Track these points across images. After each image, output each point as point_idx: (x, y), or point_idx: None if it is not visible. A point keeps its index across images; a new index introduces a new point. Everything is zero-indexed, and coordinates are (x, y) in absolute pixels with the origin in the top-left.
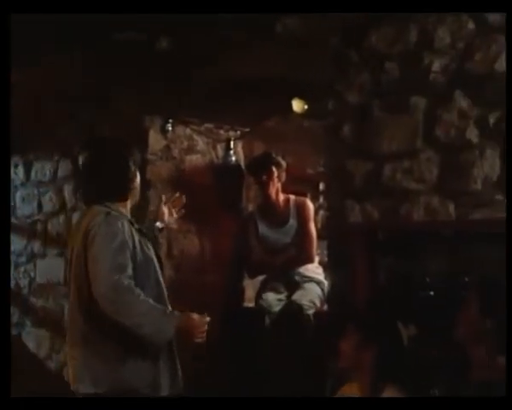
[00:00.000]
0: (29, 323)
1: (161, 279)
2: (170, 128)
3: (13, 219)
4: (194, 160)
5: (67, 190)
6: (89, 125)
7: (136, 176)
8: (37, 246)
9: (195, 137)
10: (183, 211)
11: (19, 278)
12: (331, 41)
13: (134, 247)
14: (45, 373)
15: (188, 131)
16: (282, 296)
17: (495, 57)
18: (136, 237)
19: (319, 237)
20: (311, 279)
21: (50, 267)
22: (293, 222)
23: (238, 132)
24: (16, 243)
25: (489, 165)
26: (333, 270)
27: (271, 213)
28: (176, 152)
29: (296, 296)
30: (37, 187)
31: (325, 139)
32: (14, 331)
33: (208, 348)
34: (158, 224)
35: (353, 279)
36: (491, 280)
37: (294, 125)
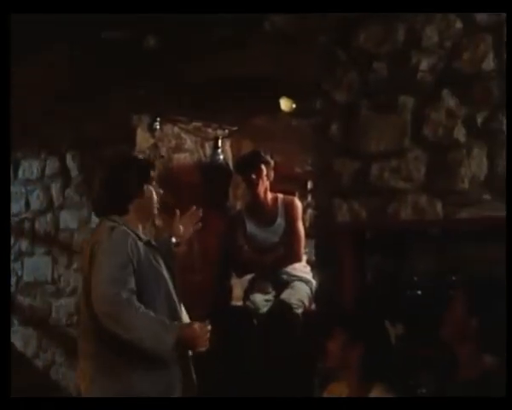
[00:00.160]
0: (16, 322)
1: (173, 292)
2: (158, 126)
3: None
4: (182, 158)
5: (55, 189)
6: (76, 124)
7: (143, 193)
8: (24, 244)
9: (183, 135)
10: (199, 224)
11: None
12: (319, 40)
13: (139, 261)
14: (33, 372)
15: (176, 129)
16: (270, 296)
17: (483, 57)
18: (143, 252)
19: (307, 235)
20: (299, 278)
21: (38, 266)
22: (281, 221)
23: (226, 131)
24: None
25: (476, 164)
26: (320, 269)
27: (259, 211)
28: (164, 150)
29: (285, 295)
30: (24, 185)
31: (313, 138)
32: None
33: None
34: (173, 239)
35: (341, 278)
36: (477, 279)
37: (282, 124)
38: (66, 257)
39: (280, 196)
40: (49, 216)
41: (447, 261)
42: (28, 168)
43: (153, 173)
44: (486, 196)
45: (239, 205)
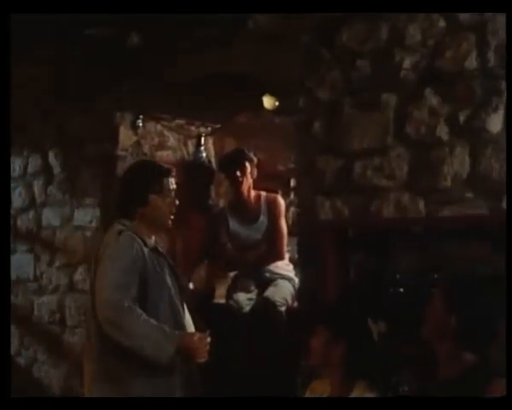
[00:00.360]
0: None
1: (177, 300)
2: (140, 124)
3: None
4: (164, 156)
5: (37, 186)
6: (59, 121)
7: (147, 202)
8: None
9: (166, 133)
10: None
11: None
12: (303, 38)
13: (144, 267)
14: (14, 370)
15: (159, 127)
16: (253, 295)
17: (465, 55)
18: (148, 258)
19: (290, 233)
20: (282, 276)
21: (20, 263)
22: (263, 219)
23: (209, 129)
24: None
25: (459, 162)
26: (303, 267)
27: (242, 209)
28: (146, 148)
29: (269, 293)
30: None
31: (296, 136)
32: None
33: None
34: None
35: (324, 276)
36: (457, 277)
37: (265, 122)
38: (49, 255)
39: (263, 193)
40: (31, 213)
41: (429, 259)
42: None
43: (168, 184)
44: (469, 195)
45: (222, 203)
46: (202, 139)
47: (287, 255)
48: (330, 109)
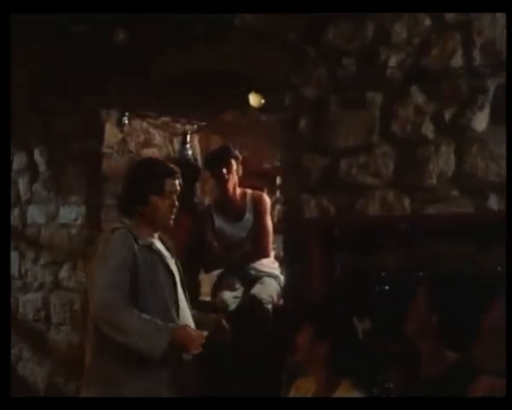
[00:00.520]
0: None
1: (169, 297)
2: (126, 121)
3: None
4: (150, 153)
5: (22, 183)
6: (44, 119)
7: (147, 202)
8: None
9: (152, 130)
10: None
11: None
12: (289, 36)
13: (135, 264)
14: None
15: (144, 124)
16: (238, 293)
17: (451, 54)
18: (140, 256)
19: (275, 231)
20: (267, 274)
21: None
22: (249, 216)
23: (195, 126)
24: None
25: (444, 160)
26: (289, 264)
27: (228, 207)
28: (132, 145)
29: (255, 290)
30: None
31: (282, 134)
32: None
33: None
34: None
35: (309, 274)
36: (440, 275)
37: (251, 120)
38: (34, 252)
39: (248, 191)
40: (16, 211)
41: (415, 257)
42: None
43: (170, 185)
44: (454, 193)
45: (207, 200)
46: (188, 137)
47: (272, 253)
48: (316, 107)
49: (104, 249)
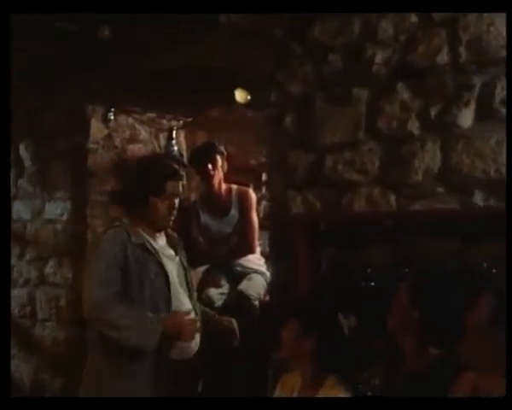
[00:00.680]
0: None
1: (159, 296)
2: (112, 117)
3: None
4: (136, 149)
5: None
6: (30, 114)
7: (147, 203)
8: None
9: (138, 126)
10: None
11: None
12: (275, 32)
13: (126, 262)
14: None
15: (130, 120)
16: (224, 289)
17: (437, 50)
18: (132, 254)
19: (261, 227)
20: (254, 270)
21: None
22: (234, 212)
23: (181, 122)
24: None
25: (430, 157)
26: (275, 260)
27: (214, 203)
28: (118, 141)
29: (243, 286)
30: None
31: (268, 130)
32: None
33: None
34: None
35: (295, 270)
36: (422, 271)
37: (237, 116)
38: (19, 248)
39: (234, 187)
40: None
41: (400, 253)
42: None
43: (171, 187)
44: (440, 189)
45: (193, 196)
46: (174, 133)
47: (258, 249)
48: (302, 104)
49: (95, 249)
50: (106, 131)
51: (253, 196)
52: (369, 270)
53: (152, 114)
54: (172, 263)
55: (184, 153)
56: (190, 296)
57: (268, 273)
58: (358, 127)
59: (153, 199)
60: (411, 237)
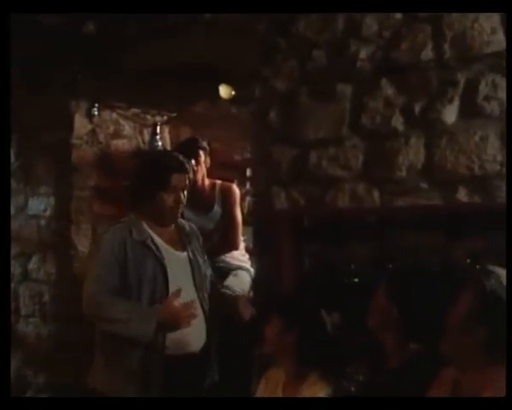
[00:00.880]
0: None
1: (157, 292)
2: (96, 112)
3: None
4: (120, 144)
5: None
6: (13, 109)
7: (154, 200)
8: None
9: (122, 121)
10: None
11: None
12: (259, 27)
13: (125, 259)
14: None
15: (114, 115)
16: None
17: (421, 46)
18: (131, 251)
19: (246, 223)
20: (238, 267)
21: None
22: (217, 208)
23: (165, 117)
24: None
25: (414, 153)
26: (259, 256)
27: (197, 198)
28: (102, 136)
29: (228, 282)
30: None
31: (252, 125)
32: None
33: None
34: None
35: (279, 266)
36: (401, 267)
37: (222, 111)
38: None
39: (218, 182)
40: None
41: (384, 249)
42: None
43: (177, 180)
44: (423, 185)
45: None
46: (158, 128)
47: (242, 245)
48: (286, 99)
49: (96, 247)
50: (90, 127)
51: (236, 191)
52: (352, 266)
53: (136, 110)
54: (177, 259)
55: (169, 148)
56: (198, 292)
57: (252, 269)
58: (342, 123)
59: (159, 193)
60: (395, 233)
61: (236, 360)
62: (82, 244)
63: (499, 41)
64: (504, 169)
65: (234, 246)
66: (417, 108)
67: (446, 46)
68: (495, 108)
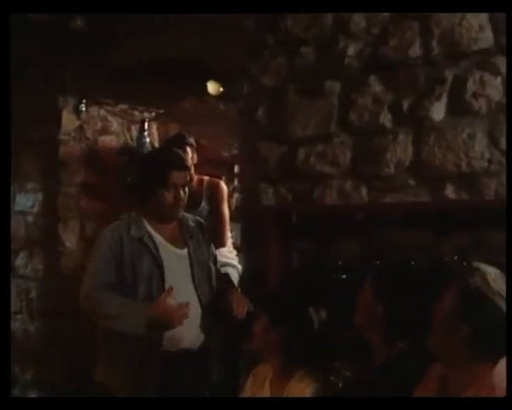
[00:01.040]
0: None
1: (150, 289)
2: (83, 108)
3: None
4: (108, 141)
5: None
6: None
7: (155, 196)
8: None
9: (110, 118)
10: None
11: None
12: (247, 24)
13: (121, 256)
14: None
15: (102, 111)
16: None
17: (409, 43)
18: (128, 248)
19: (234, 220)
20: (225, 264)
21: None
22: (205, 205)
23: (153, 114)
24: None
25: (401, 150)
26: (246, 253)
27: None
28: (89, 133)
29: None
30: None
31: (240, 122)
32: None
33: None
34: None
35: (266, 262)
36: (387, 264)
37: (210, 108)
38: None
39: (205, 178)
40: None
41: (372, 246)
42: None
43: (177, 178)
44: (411, 182)
45: None
46: (146, 124)
47: (230, 241)
48: (274, 96)
49: (94, 244)
50: (77, 123)
51: (224, 187)
52: (340, 262)
53: (124, 106)
54: (176, 256)
55: (156, 145)
56: (197, 290)
57: (240, 266)
58: (330, 120)
59: (159, 190)
60: (383, 229)
61: (225, 356)
62: (69, 241)
63: (487, 38)
64: (492, 166)
65: (221, 243)
66: (405, 105)
67: (434, 43)
68: (483, 105)
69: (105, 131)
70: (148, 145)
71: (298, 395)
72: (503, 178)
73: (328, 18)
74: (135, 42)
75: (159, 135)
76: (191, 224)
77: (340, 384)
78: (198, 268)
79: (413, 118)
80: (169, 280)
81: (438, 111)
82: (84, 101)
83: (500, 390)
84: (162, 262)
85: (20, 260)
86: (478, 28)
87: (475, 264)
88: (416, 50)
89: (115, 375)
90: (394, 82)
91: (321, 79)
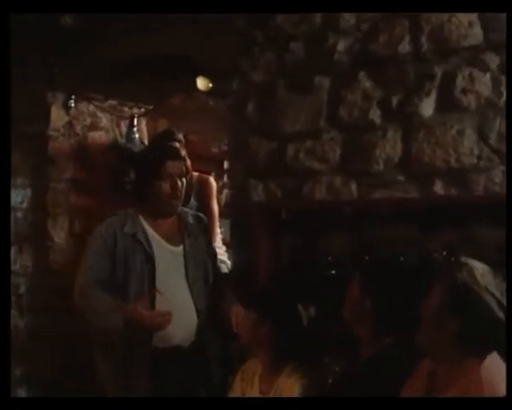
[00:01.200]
0: None
1: (141, 286)
2: (73, 104)
3: None
4: (97, 137)
5: None
6: None
7: (153, 189)
8: None
9: (99, 113)
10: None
11: None
12: (236, 20)
13: (114, 252)
14: None
15: (91, 107)
16: None
17: (399, 40)
18: (121, 244)
19: (223, 215)
20: None
21: None
22: (194, 201)
23: (142, 110)
24: None
25: (391, 146)
26: (236, 249)
27: None
28: (79, 128)
29: None
30: None
31: (229, 118)
32: None
33: None
34: None
35: (256, 258)
36: (376, 260)
37: (199, 104)
38: None
39: (195, 174)
40: None
41: (361, 241)
42: None
43: (172, 168)
44: (400, 178)
45: None
46: (135, 120)
47: (219, 237)
48: (264, 92)
49: (89, 239)
50: (66, 119)
51: (213, 183)
52: (329, 258)
53: (113, 102)
54: (170, 253)
55: (146, 141)
56: (191, 288)
57: (229, 262)
58: (320, 116)
59: (156, 182)
60: (372, 225)
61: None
62: (58, 236)
63: (476, 34)
64: (481, 162)
65: None
66: (395, 101)
67: (424, 39)
68: (472, 101)
69: (94, 126)
70: (137, 141)
71: (287, 390)
72: (493, 174)
73: (318, 14)
74: (124, 38)
75: (148, 131)
76: (190, 220)
77: (330, 380)
78: (193, 266)
79: (402, 114)
80: (161, 277)
81: (427, 107)
82: (73, 96)
83: (487, 386)
84: (155, 259)
85: None
86: (467, 25)
87: (463, 259)
88: (405, 47)
89: (110, 373)
90: (384, 78)
91: (310, 75)
